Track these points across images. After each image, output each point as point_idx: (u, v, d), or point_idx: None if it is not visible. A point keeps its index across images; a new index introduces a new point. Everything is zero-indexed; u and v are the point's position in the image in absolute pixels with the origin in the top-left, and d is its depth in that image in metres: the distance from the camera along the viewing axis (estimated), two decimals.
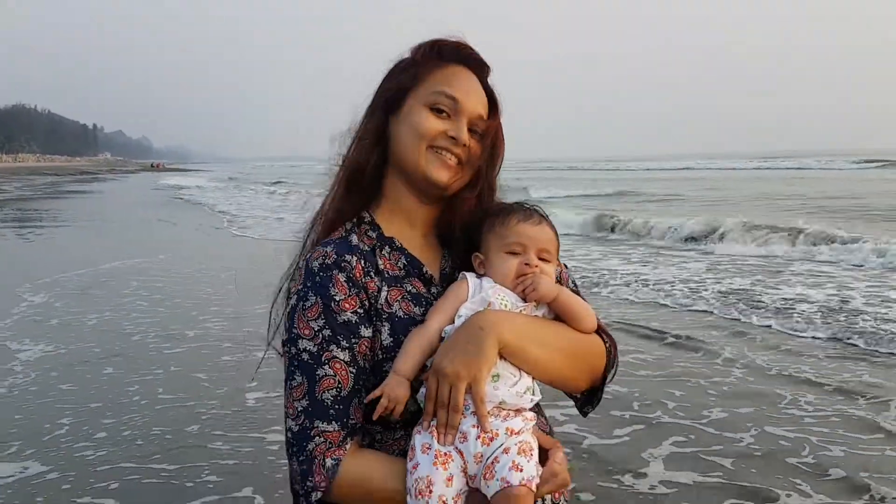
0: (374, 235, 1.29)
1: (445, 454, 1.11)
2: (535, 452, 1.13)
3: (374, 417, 1.16)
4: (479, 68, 1.32)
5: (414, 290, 1.26)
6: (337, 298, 1.19)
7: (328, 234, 1.30)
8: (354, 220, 1.31)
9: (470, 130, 1.28)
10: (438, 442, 1.12)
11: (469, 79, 1.29)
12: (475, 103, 1.28)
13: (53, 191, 38.45)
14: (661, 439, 3.70)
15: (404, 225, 1.32)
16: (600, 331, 1.29)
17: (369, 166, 1.29)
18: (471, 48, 1.32)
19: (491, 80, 1.35)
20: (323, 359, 1.16)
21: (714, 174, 47.37)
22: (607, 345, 1.29)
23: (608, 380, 1.31)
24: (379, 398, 1.15)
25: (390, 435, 1.21)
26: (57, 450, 3.69)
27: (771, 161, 69.00)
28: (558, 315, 1.24)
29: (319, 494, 1.12)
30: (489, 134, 1.30)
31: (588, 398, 1.33)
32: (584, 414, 1.36)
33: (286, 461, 1.20)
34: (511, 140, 1.36)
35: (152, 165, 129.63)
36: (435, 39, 1.32)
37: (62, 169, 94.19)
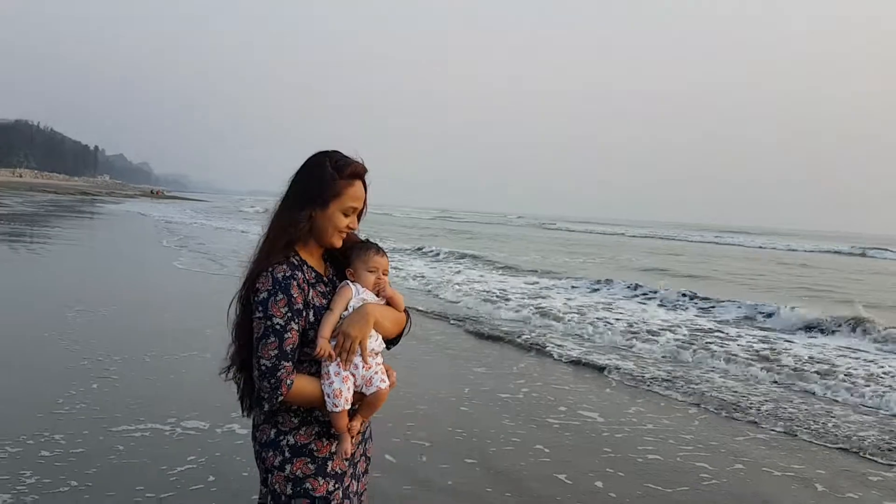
0: (299, 259, 2.20)
1: (346, 376, 2.15)
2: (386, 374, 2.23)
3: (319, 357, 2.13)
4: (364, 174, 2.25)
5: (322, 290, 2.21)
6: (294, 295, 2.10)
7: (264, 265, 2.14)
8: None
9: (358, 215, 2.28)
10: (343, 370, 2.15)
11: (361, 189, 2.23)
12: (361, 203, 2.24)
13: (55, 209, 39.12)
14: None
15: (308, 256, 2.25)
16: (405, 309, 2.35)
17: (298, 238, 2.19)
18: (364, 167, 2.23)
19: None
20: (287, 328, 2.07)
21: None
22: (408, 316, 2.37)
23: (405, 333, 2.36)
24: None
25: (304, 367, 2.15)
26: None
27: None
28: (390, 303, 2.29)
29: (282, 397, 2.06)
30: (364, 210, 2.29)
31: (393, 342, 2.36)
32: (389, 348, 2.33)
33: None
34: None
35: (152, 192, 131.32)
36: (350, 164, 2.20)
37: (61, 188, 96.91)
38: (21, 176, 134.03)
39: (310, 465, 2.15)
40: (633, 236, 61.29)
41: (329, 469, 2.17)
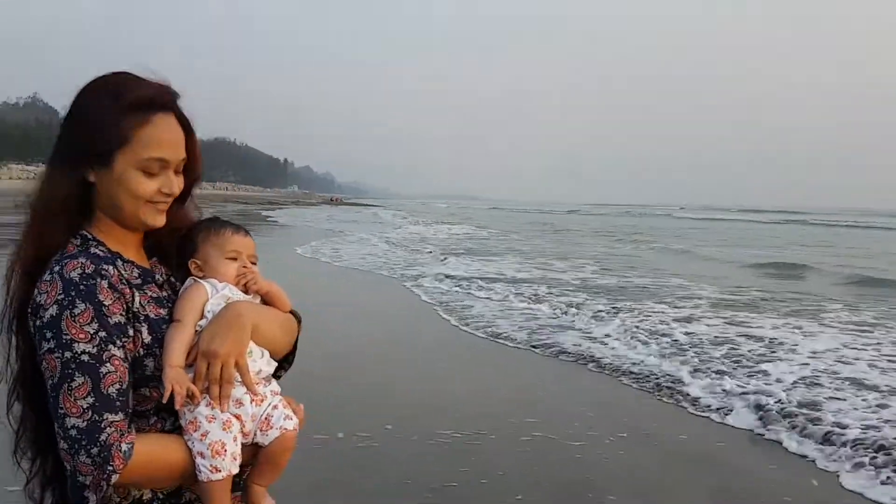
0: (104, 250, 1.43)
1: (227, 420, 1.42)
2: None
3: (178, 406, 1.37)
4: (173, 103, 1.44)
5: (154, 295, 1.46)
6: (106, 303, 1.34)
7: (37, 265, 1.39)
8: (79, 239, 1.44)
9: (176, 171, 1.47)
10: (220, 411, 1.41)
11: (170, 125, 1.42)
12: (178, 150, 1.44)
13: (240, 218, 41.73)
14: None
15: (119, 245, 1.46)
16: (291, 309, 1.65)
17: (64, 214, 1.41)
18: (166, 89, 1.43)
19: (181, 102, 1.45)
20: (103, 358, 1.31)
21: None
22: (299, 318, 1.64)
23: (297, 345, 1.67)
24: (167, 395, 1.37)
25: (145, 422, 1.40)
26: None
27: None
28: (268, 301, 1.58)
29: (117, 476, 1.28)
30: (192, 160, 1.49)
31: (281, 363, 1.62)
32: (278, 377, 1.61)
33: None
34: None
35: (331, 199, 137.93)
36: (140, 87, 1.40)
37: (252, 198, 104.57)
38: (227, 189, 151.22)
39: None
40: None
41: None
